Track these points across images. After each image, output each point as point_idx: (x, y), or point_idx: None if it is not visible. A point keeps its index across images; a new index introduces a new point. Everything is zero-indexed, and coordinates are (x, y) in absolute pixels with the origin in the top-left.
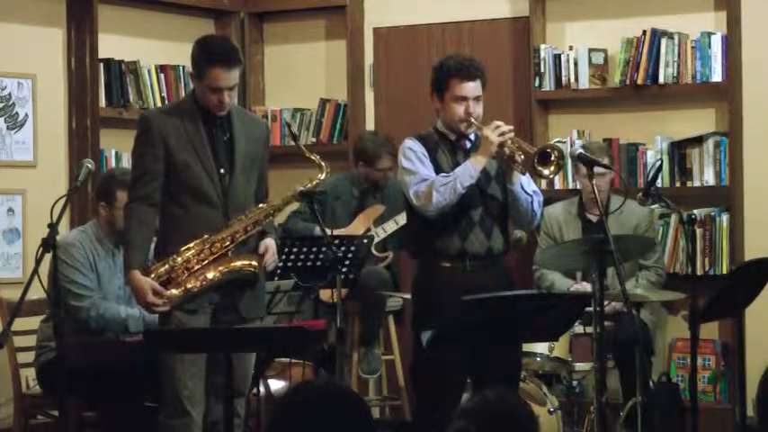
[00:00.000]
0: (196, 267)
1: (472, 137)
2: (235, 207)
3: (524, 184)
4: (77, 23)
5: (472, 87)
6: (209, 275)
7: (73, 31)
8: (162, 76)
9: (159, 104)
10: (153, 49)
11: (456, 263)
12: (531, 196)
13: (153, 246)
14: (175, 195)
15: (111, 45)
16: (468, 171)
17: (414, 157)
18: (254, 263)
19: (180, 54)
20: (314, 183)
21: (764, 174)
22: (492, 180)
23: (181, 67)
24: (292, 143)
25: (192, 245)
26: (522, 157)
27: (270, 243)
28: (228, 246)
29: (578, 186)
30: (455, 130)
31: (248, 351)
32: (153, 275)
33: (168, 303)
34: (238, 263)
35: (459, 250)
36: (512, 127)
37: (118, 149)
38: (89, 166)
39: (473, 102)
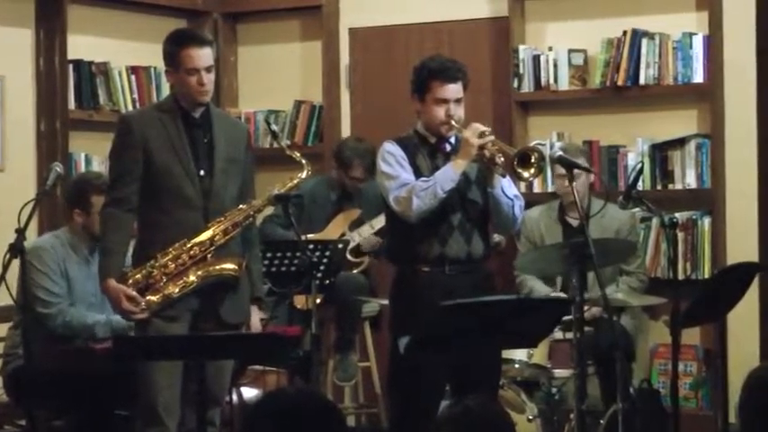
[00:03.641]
0: (175, 272)
1: (452, 140)
2: (215, 210)
3: (505, 187)
4: (47, 24)
5: (453, 89)
6: (189, 280)
7: (42, 32)
8: (133, 77)
9: (130, 106)
10: (124, 50)
11: (435, 268)
12: (512, 200)
13: (131, 251)
14: (155, 198)
15: (81, 46)
16: (449, 175)
17: (393, 161)
18: (235, 266)
19: (152, 55)
20: (294, 182)
21: (747, 176)
22: (472, 184)
23: (152, 69)
24: (267, 145)
25: (170, 249)
26: (502, 159)
27: (255, 322)
28: (208, 249)
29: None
30: (435, 133)
31: (220, 358)
32: (130, 282)
33: (146, 310)
34: (218, 266)
35: (439, 255)
36: (491, 129)
37: (88, 152)
38: (58, 169)
39: (454, 104)
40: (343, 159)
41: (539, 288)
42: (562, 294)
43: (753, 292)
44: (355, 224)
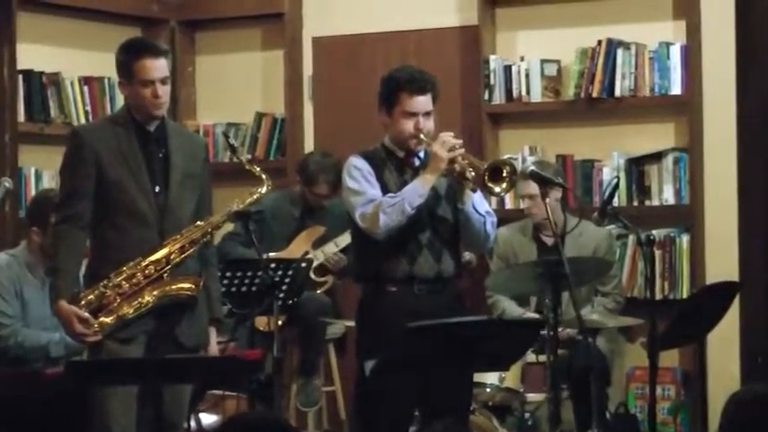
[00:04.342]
0: (129, 292)
1: (421, 154)
2: (171, 227)
3: (476, 203)
4: None
5: (423, 102)
6: (144, 300)
7: None
8: (86, 88)
9: (83, 119)
10: (76, 60)
11: (403, 287)
12: (484, 217)
13: (83, 270)
14: (109, 215)
15: (32, 55)
16: (417, 190)
17: (360, 176)
18: (192, 286)
19: (105, 65)
20: (254, 197)
21: (726, 192)
22: (442, 200)
23: (106, 79)
24: (227, 160)
25: (124, 268)
26: (473, 173)
27: (213, 345)
28: (164, 268)
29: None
30: (403, 147)
31: (177, 383)
32: (83, 303)
33: (99, 332)
34: (175, 286)
35: (407, 274)
36: (461, 141)
37: (38, 167)
38: (7, 184)
39: (423, 117)
40: (307, 174)
41: (512, 309)
42: (536, 315)
43: (733, 312)
44: (319, 242)
